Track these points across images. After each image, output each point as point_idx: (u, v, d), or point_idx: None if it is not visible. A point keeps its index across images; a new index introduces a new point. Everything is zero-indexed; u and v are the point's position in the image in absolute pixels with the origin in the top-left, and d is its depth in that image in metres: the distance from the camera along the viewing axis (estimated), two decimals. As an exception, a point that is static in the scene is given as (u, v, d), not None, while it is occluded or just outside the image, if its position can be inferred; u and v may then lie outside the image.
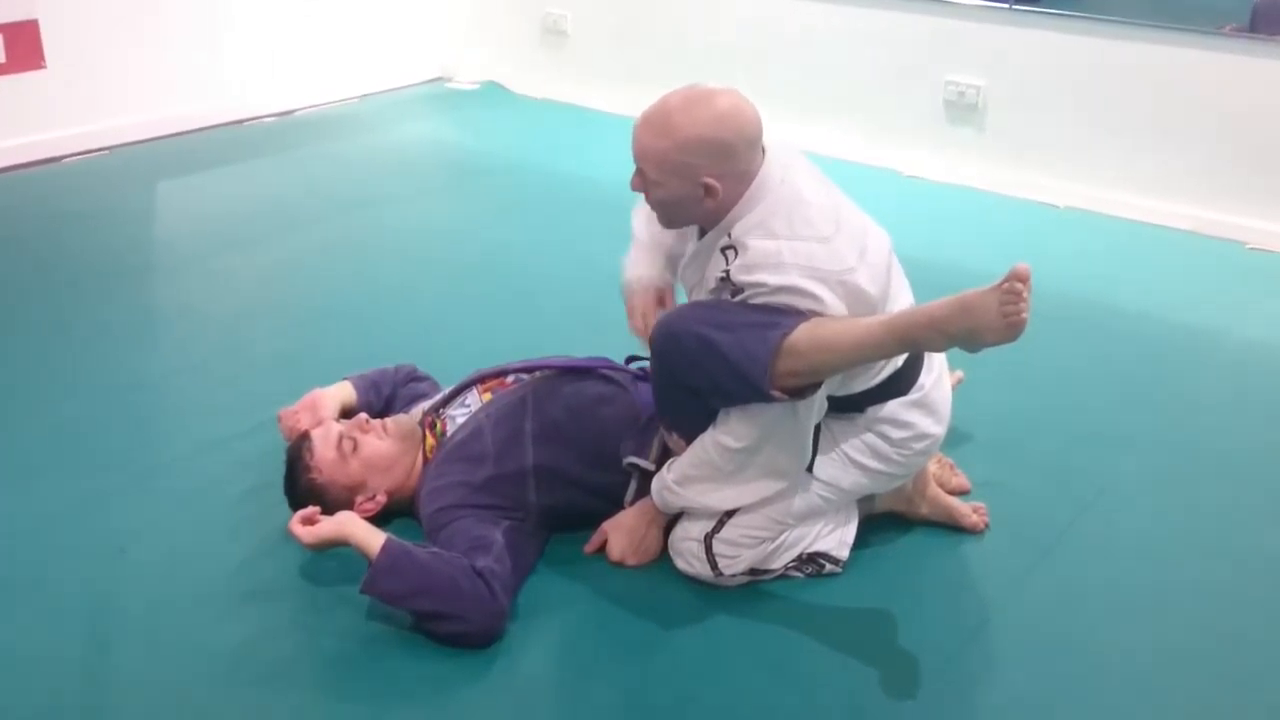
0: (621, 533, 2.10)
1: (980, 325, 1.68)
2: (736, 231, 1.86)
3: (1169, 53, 3.92)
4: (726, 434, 1.91)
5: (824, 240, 1.82)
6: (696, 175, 1.83)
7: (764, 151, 1.90)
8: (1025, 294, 1.65)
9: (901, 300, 1.99)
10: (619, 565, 2.08)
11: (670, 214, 1.95)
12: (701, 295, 1.97)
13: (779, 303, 1.80)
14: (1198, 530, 2.28)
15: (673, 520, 2.08)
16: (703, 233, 1.96)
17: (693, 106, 1.84)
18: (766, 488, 1.96)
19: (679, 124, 1.83)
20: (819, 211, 1.86)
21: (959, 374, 2.55)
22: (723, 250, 1.88)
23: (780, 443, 1.91)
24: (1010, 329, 1.67)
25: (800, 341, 1.75)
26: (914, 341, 1.76)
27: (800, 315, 1.78)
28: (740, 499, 1.97)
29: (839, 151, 4.29)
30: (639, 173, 1.91)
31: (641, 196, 1.97)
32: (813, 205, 1.87)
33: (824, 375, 1.82)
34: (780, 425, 1.89)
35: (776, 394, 1.79)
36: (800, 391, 1.82)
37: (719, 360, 1.80)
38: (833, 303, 1.80)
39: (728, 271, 1.85)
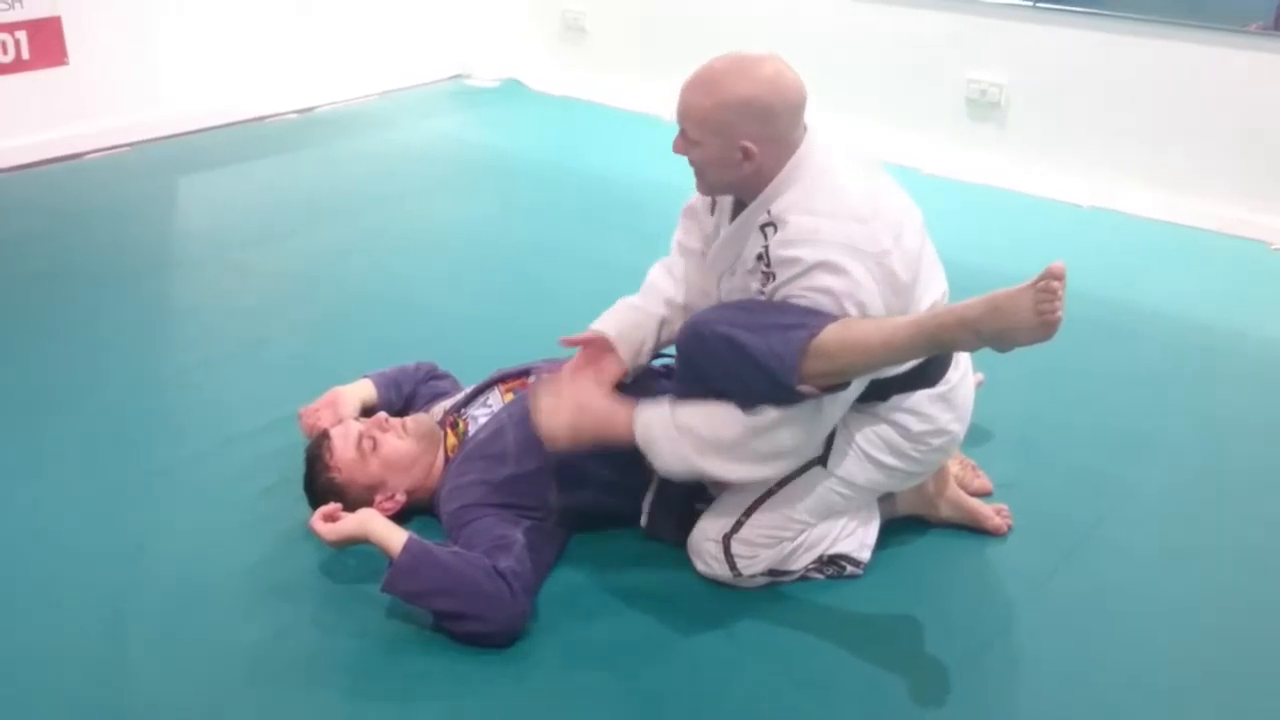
0: (571, 407, 1.96)
1: (1014, 325, 1.66)
2: (776, 208, 1.87)
3: (1193, 51, 3.89)
4: (749, 410, 1.87)
5: (862, 221, 1.81)
6: (737, 137, 1.84)
7: (806, 129, 1.90)
8: (1060, 292, 1.64)
9: (934, 285, 1.98)
10: (543, 423, 1.95)
11: (708, 177, 1.94)
12: (733, 280, 1.96)
13: (814, 284, 1.79)
14: (1222, 534, 2.26)
15: (673, 514, 2.08)
16: (735, 215, 1.96)
17: (739, 68, 1.85)
18: (768, 468, 1.91)
19: (724, 84, 1.84)
20: (858, 194, 1.87)
21: (979, 376, 2.53)
22: (761, 227, 1.88)
23: (795, 424, 1.86)
24: (1045, 328, 1.65)
25: (828, 342, 1.74)
26: (944, 342, 1.75)
27: (828, 317, 1.77)
28: (733, 472, 1.90)
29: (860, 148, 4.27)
30: (681, 134, 1.91)
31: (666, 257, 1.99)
32: (852, 186, 1.87)
33: (852, 376, 1.81)
34: (802, 409, 1.86)
35: (805, 389, 1.78)
36: (829, 389, 1.81)
37: (746, 361, 1.79)
38: (865, 280, 1.79)
39: (766, 248, 1.85)
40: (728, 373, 1.83)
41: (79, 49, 4.24)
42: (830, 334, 1.75)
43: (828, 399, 1.85)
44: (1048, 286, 1.63)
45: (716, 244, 2.01)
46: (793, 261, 1.80)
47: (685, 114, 1.89)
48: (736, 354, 1.80)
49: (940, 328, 1.72)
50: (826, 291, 1.78)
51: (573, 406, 1.95)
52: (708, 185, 1.97)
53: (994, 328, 1.68)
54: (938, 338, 1.73)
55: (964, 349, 1.74)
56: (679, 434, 1.89)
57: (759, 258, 1.86)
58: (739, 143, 1.84)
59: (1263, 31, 3.87)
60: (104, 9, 4.28)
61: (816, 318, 1.77)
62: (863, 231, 1.80)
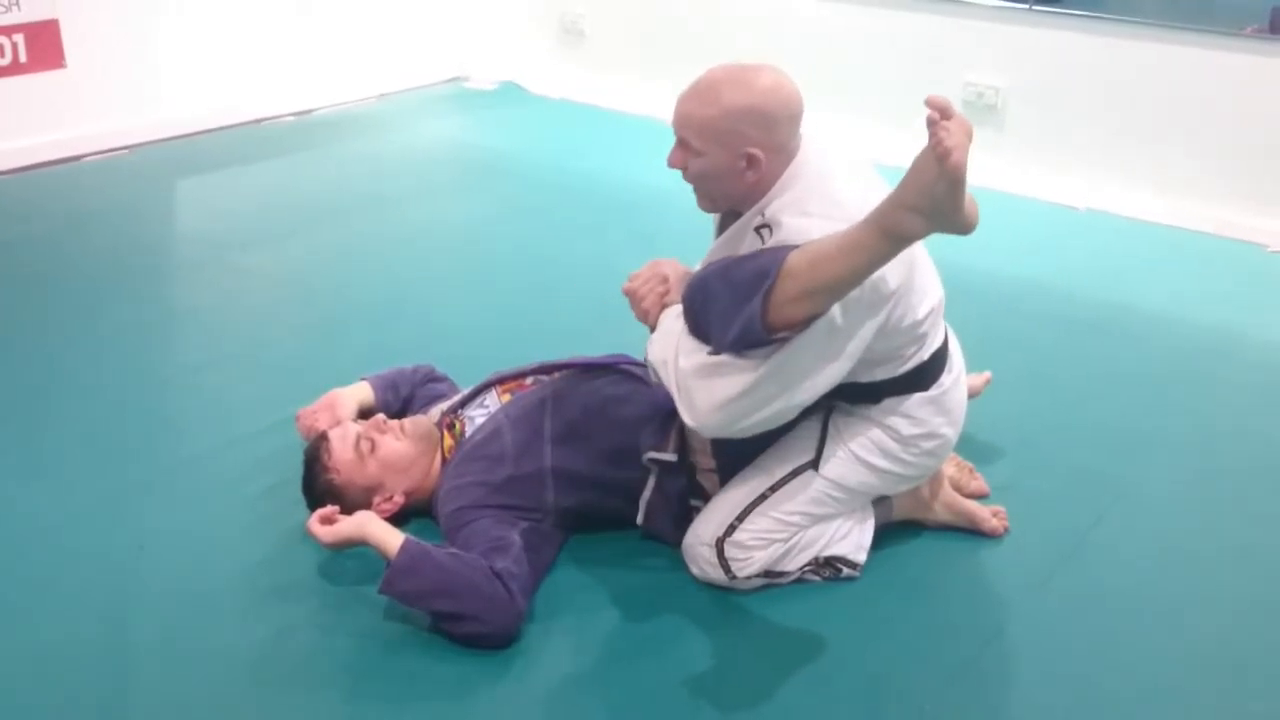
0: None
1: (927, 179, 1.61)
2: (771, 210, 1.87)
3: (1189, 54, 3.90)
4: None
5: (852, 224, 1.80)
6: (741, 145, 1.84)
7: (801, 137, 1.91)
8: (945, 123, 1.57)
9: (931, 293, 1.98)
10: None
11: (710, 188, 1.93)
12: None
13: None
14: (1220, 535, 2.27)
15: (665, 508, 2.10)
16: (725, 226, 1.96)
17: (740, 77, 1.86)
18: (737, 407, 1.83)
19: (726, 93, 1.85)
20: (853, 199, 1.86)
21: (987, 374, 2.53)
22: (757, 230, 1.88)
23: (771, 369, 1.81)
24: (942, 162, 1.57)
25: (794, 261, 1.73)
26: (891, 229, 1.67)
27: (795, 246, 1.76)
28: (702, 395, 1.84)
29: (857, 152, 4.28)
30: (680, 144, 1.91)
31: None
32: (847, 191, 1.88)
33: (824, 295, 1.75)
34: (779, 363, 1.81)
35: (774, 317, 1.74)
36: (807, 322, 1.77)
37: (725, 287, 1.78)
38: None
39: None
40: (711, 302, 1.81)
41: (77, 52, 4.24)
42: (795, 255, 1.74)
43: (807, 353, 1.81)
44: (929, 119, 1.58)
45: (712, 247, 2.02)
46: None
47: (686, 124, 1.88)
48: (722, 280, 1.80)
49: (880, 214, 1.68)
50: None
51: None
52: (710, 199, 1.96)
53: (914, 190, 1.62)
54: (883, 225, 1.68)
55: (913, 231, 1.66)
56: (675, 340, 1.89)
57: None
58: (743, 150, 1.84)
59: (1258, 35, 3.88)
60: (102, 11, 4.29)
61: (787, 247, 1.76)
62: None
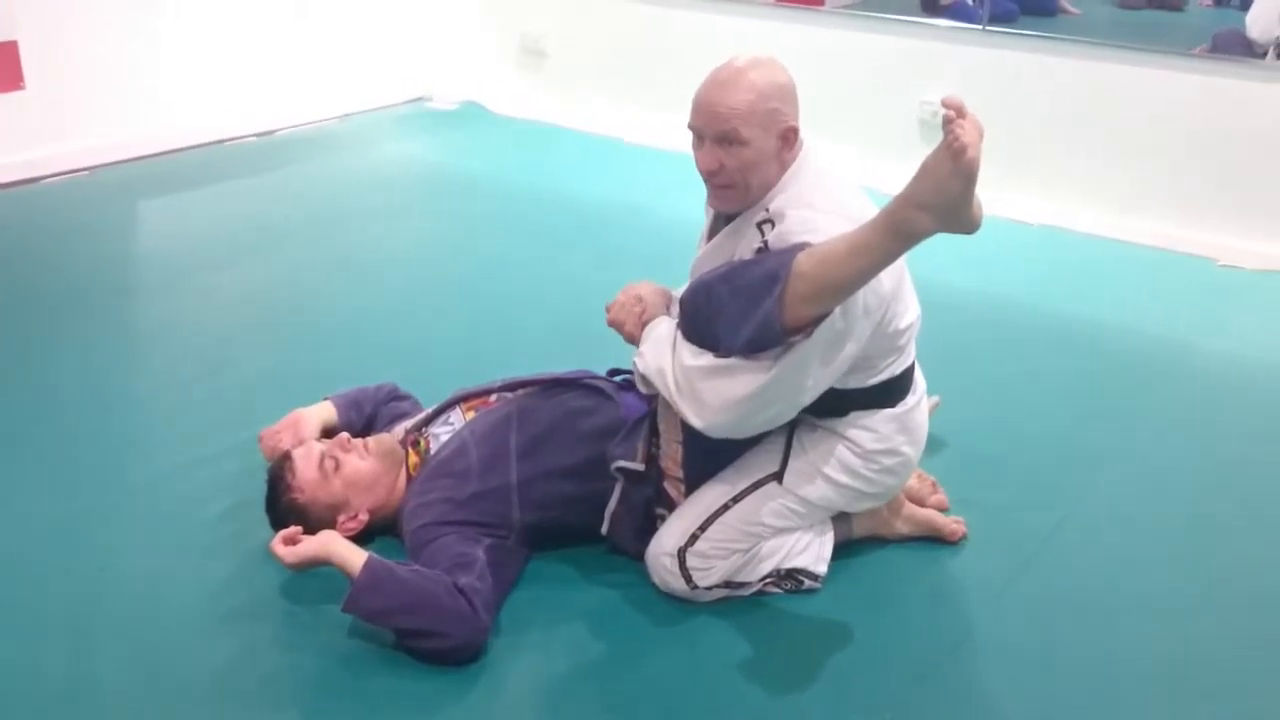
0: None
1: (940, 176, 1.64)
2: (775, 205, 1.92)
3: (1140, 74, 3.98)
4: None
5: (853, 222, 1.83)
6: (780, 122, 1.91)
7: (802, 140, 1.98)
8: (960, 120, 1.61)
9: (910, 310, 2.02)
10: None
11: (751, 177, 1.93)
12: None
13: None
14: (1171, 541, 2.31)
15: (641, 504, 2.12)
16: (716, 229, 2.00)
17: (754, 62, 1.95)
18: (734, 413, 1.88)
19: (754, 76, 1.92)
20: (851, 200, 1.93)
21: (936, 398, 2.58)
22: (759, 225, 1.92)
23: (773, 374, 1.85)
24: (957, 159, 1.61)
25: (803, 263, 1.76)
26: (899, 227, 1.71)
27: (801, 247, 1.79)
28: (703, 400, 1.88)
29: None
30: (718, 142, 1.91)
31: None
32: (846, 193, 1.95)
33: (832, 295, 1.78)
34: (783, 367, 1.85)
35: (788, 318, 1.77)
36: (813, 324, 1.81)
37: (732, 291, 1.82)
38: None
39: (765, 243, 1.88)
40: (721, 307, 1.84)
41: (36, 73, 4.22)
42: (803, 256, 1.77)
43: (813, 355, 1.84)
44: (945, 117, 1.63)
45: (706, 248, 2.06)
46: (796, 248, 1.82)
47: (729, 116, 1.89)
48: (729, 284, 1.84)
49: (889, 213, 1.72)
50: None
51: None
52: (746, 190, 1.95)
53: (927, 189, 1.66)
54: (891, 224, 1.71)
55: (922, 229, 1.69)
56: (671, 345, 1.93)
57: (759, 252, 1.90)
58: (781, 127, 1.91)
59: (1205, 55, 3.98)
60: (61, 32, 4.27)
61: (791, 253, 1.80)
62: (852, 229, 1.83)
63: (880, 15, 4.48)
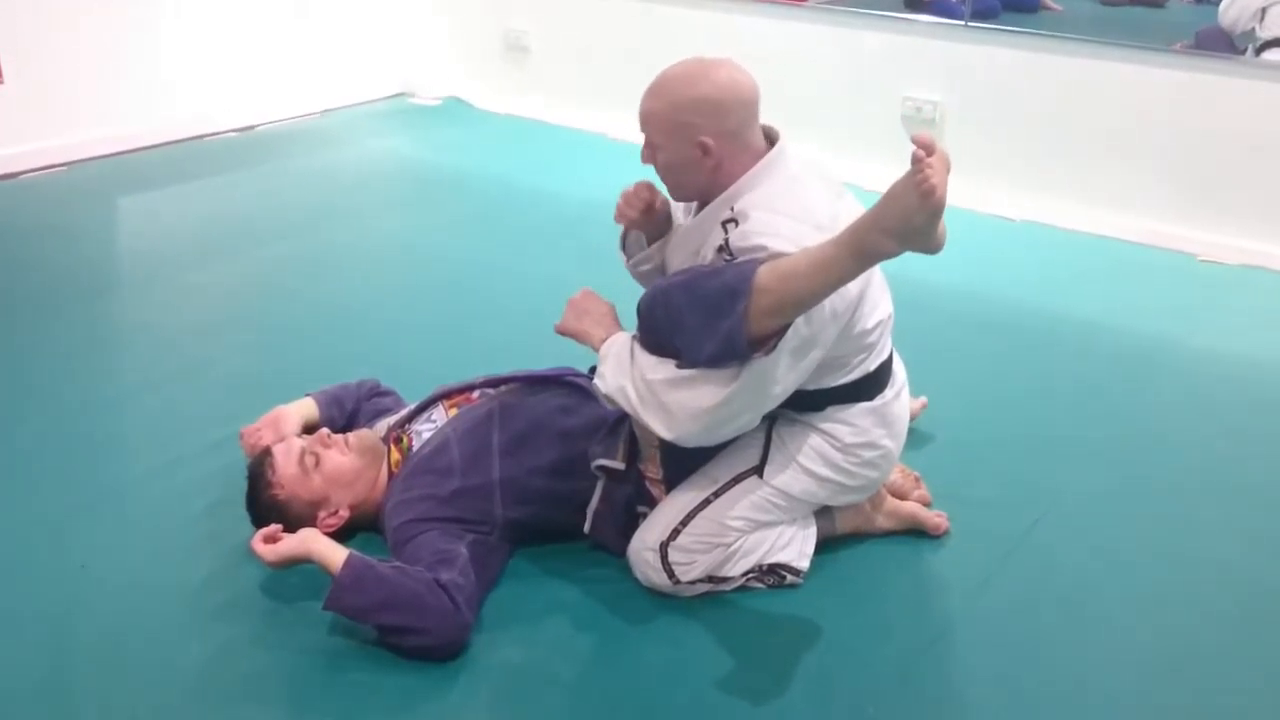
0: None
1: (905, 206, 1.66)
2: (740, 204, 1.91)
3: (1122, 69, 3.99)
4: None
5: (819, 229, 1.84)
6: (694, 135, 1.91)
7: (777, 138, 1.98)
8: (930, 160, 1.63)
9: (881, 306, 2.03)
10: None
11: (676, 179, 2.00)
12: None
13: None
14: (1150, 537, 2.32)
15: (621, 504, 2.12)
16: (698, 210, 2.00)
17: (689, 71, 1.94)
18: (699, 423, 1.87)
19: (675, 87, 1.93)
20: (821, 205, 1.93)
21: (923, 399, 2.59)
22: (723, 224, 1.92)
23: (733, 384, 1.85)
24: (925, 198, 1.63)
25: (764, 277, 1.76)
26: (860, 247, 1.72)
27: (760, 261, 1.79)
28: (668, 413, 1.88)
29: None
30: (646, 142, 1.98)
31: None
32: (817, 198, 1.94)
33: (793, 309, 1.79)
34: (743, 377, 1.85)
35: (752, 332, 1.77)
36: (774, 337, 1.81)
37: (691, 302, 1.81)
38: None
39: (727, 241, 1.88)
40: (680, 318, 1.83)
41: (15, 68, 4.19)
42: (765, 270, 1.77)
43: (780, 361, 1.84)
44: (914, 155, 1.64)
45: (679, 233, 2.06)
46: (755, 249, 1.83)
47: (646, 120, 1.96)
48: (688, 295, 1.83)
49: (854, 233, 1.72)
50: None
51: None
52: (679, 190, 2.03)
53: (892, 217, 1.68)
54: (855, 244, 1.72)
55: (884, 251, 1.71)
56: (630, 360, 1.93)
57: (720, 250, 1.89)
58: (697, 140, 1.91)
59: (1186, 51, 3.99)
60: (39, 29, 4.24)
61: (754, 263, 1.79)
62: (817, 238, 1.83)
63: (863, 11, 4.48)
